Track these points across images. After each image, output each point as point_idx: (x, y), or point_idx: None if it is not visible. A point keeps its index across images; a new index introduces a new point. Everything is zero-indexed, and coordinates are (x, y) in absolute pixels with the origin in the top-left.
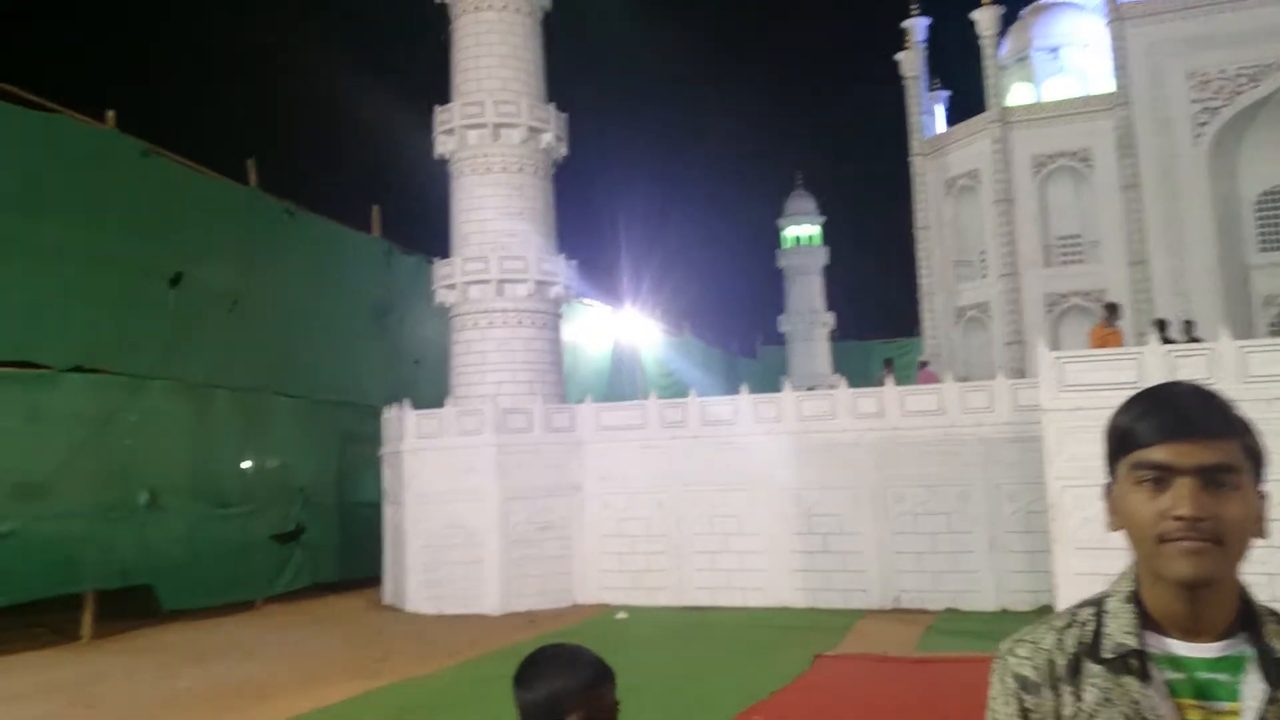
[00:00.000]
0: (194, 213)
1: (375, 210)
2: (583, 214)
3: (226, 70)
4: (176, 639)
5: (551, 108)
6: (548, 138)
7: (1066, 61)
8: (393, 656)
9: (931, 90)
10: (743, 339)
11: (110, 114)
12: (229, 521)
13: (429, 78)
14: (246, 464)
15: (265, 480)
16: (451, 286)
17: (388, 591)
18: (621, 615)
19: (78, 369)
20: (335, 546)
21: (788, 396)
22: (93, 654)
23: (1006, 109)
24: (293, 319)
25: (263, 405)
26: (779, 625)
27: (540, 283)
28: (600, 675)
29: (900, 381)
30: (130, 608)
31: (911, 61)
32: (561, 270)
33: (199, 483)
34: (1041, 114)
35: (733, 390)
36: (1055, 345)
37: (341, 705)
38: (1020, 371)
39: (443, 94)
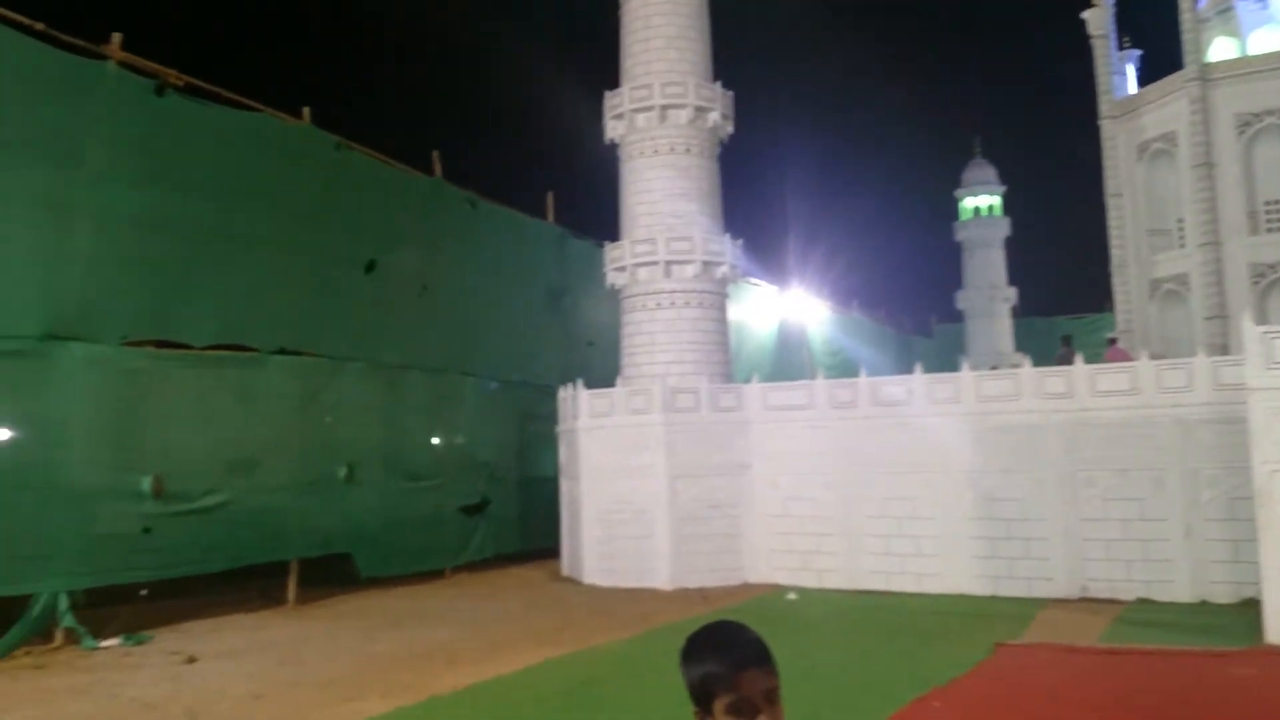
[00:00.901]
0: (384, 203)
1: (550, 197)
2: (749, 192)
3: (412, 66)
4: (373, 605)
5: (718, 86)
6: (714, 116)
7: (1277, 10)
8: (572, 626)
9: (1121, 49)
10: (917, 317)
11: (306, 111)
12: (420, 494)
13: (602, 64)
14: (436, 440)
15: (452, 455)
16: (621, 269)
17: (565, 563)
18: (792, 596)
19: (282, 351)
20: (517, 519)
21: (966, 376)
22: (298, 617)
23: (1207, 65)
24: (476, 303)
25: (450, 385)
26: (957, 612)
27: (707, 263)
28: (751, 658)
29: (1087, 360)
30: (331, 575)
31: (1099, 19)
32: (727, 250)
33: (392, 457)
34: (1247, 69)
35: (905, 370)
36: (1263, 319)
37: (524, 672)
38: (1223, 348)
39: (614, 79)
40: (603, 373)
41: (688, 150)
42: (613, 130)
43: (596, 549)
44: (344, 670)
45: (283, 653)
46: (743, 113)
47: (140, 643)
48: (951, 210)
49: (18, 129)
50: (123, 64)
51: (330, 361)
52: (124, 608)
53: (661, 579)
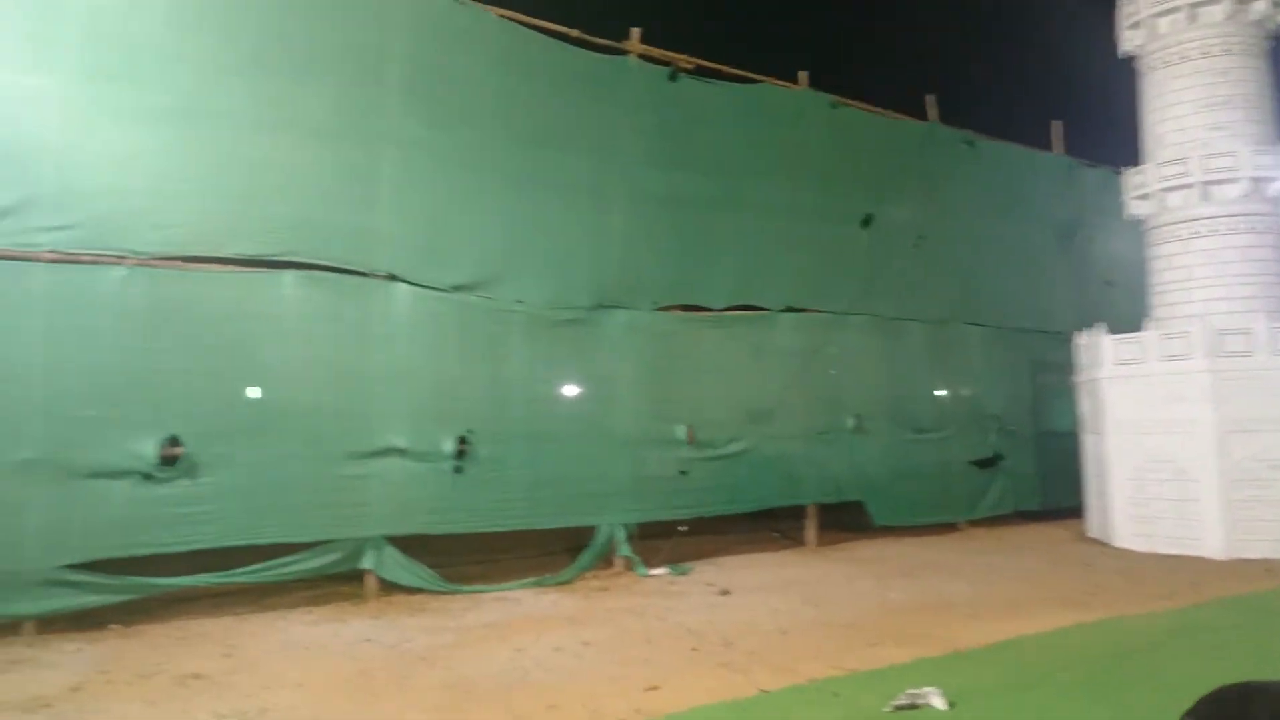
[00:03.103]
0: (879, 156)
1: (1055, 126)
2: None
3: (901, 9)
4: (887, 552)
5: None
6: (1260, 7)
7: None
8: (1102, 591)
9: None
10: None
11: (802, 75)
12: (927, 446)
13: None
14: (940, 392)
15: (958, 408)
16: (1145, 196)
17: (1092, 524)
18: None
19: (789, 309)
20: (1033, 475)
21: None
22: (816, 559)
23: None
24: (976, 249)
25: (952, 335)
26: None
27: (1256, 180)
28: None
29: None
30: (846, 520)
31: None
32: None
33: (896, 409)
34: None
35: None
36: None
37: (1051, 634)
38: None
39: None
40: (1126, 315)
41: (1225, 51)
42: (1129, 41)
43: (1129, 510)
44: (863, 614)
45: (805, 592)
46: None
47: (683, 573)
48: None
49: (566, 126)
50: (641, 56)
51: (832, 316)
52: (667, 542)
53: (1211, 547)
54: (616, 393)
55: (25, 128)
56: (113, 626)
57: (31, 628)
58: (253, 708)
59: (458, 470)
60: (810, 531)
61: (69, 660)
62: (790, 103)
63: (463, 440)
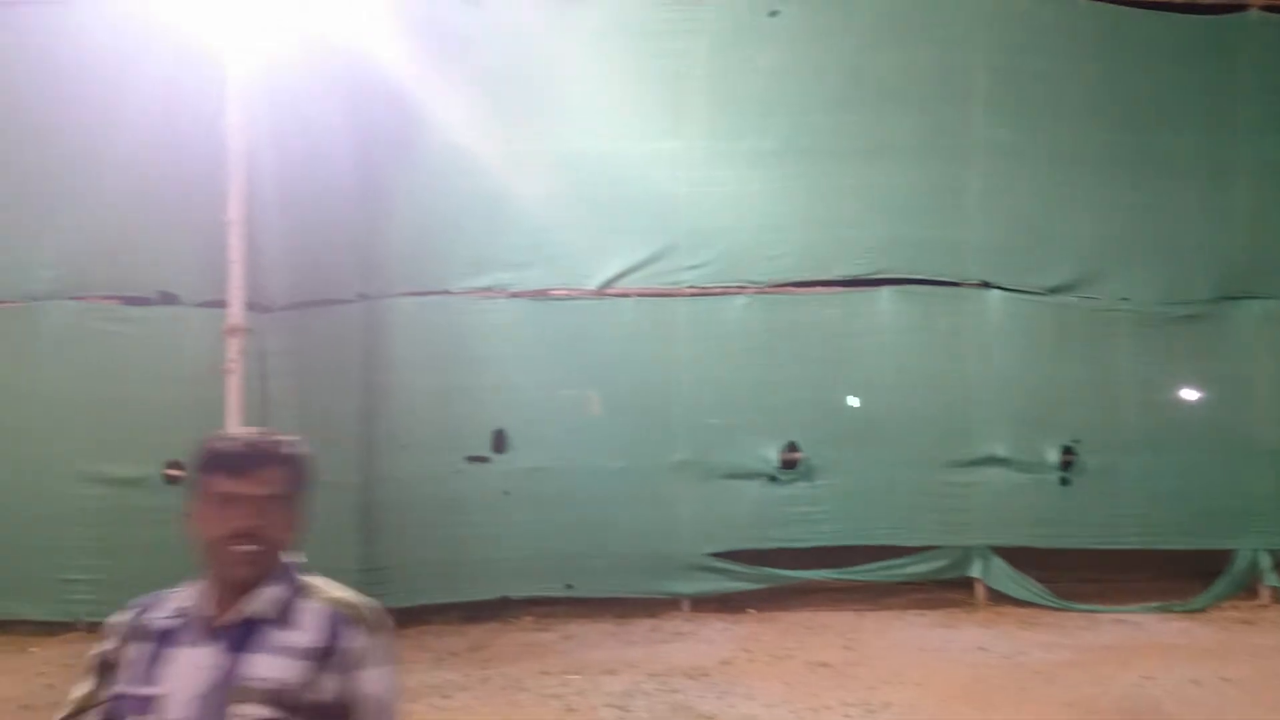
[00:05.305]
0: None
1: None
2: None
3: None
4: None
5: None
6: None
7: None
8: None
9: None
10: None
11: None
12: None
13: None
14: None
15: None
16: None
17: None
18: None
19: None
20: None
21: None
22: None
23: None
24: None
25: None
26: None
27: None
28: None
29: None
30: None
31: None
32: None
33: None
34: None
35: None
36: None
37: None
38: None
39: None
40: None
41: None
42: None
43: None
44: None
45: None
46: None
47: None
48: None
49: (1170, 102)
50: (1264, 8)
51: None
52: None
53: None
54: (1253, 395)
55: (665, 186)
56: (750, 610)
57: (688, 605)
58: (876, 700)
59: (1064, 482)
60: None
61: (718, 636)
62: (1231, 33)
63: (1068, 450)
